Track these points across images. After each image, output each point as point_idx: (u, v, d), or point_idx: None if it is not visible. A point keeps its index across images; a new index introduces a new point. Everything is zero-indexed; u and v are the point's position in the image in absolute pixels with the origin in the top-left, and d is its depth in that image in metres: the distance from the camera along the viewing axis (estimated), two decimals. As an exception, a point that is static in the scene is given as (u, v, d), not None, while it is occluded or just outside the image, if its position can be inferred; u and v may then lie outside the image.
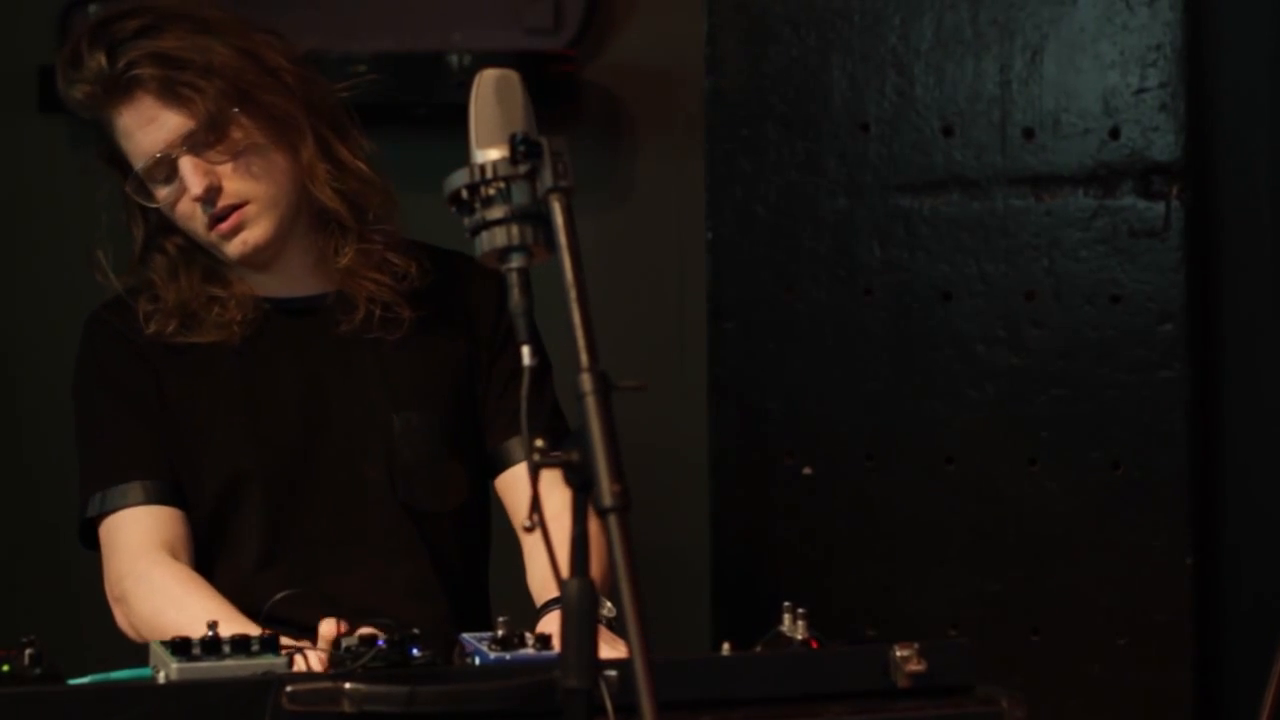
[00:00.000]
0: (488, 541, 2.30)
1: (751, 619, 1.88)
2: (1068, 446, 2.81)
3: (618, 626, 1.94)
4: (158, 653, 1.73)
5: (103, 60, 2.12)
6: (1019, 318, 2.83)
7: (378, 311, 2.18)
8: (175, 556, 2.14)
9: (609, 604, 1.96)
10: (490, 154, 1.60)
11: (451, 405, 2.21)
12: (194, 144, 2.12)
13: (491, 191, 1.59)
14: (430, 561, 2.19)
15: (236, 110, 2.12)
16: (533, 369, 1.54)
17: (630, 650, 1.40)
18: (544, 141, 1.57)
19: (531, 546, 2.18)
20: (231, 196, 2.14)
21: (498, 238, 1.58)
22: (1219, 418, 2.83)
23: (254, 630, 1.87)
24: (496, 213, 1.58)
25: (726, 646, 1.79)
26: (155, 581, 2.11)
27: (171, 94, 2.12)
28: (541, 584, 2.13)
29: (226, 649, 1.70)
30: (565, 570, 2.08)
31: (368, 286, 2.18)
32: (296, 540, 2.17)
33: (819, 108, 2.90)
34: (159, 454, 2.17)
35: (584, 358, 1.49)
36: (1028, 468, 2.83)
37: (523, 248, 1.58)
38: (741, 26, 2.93)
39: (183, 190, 2.14)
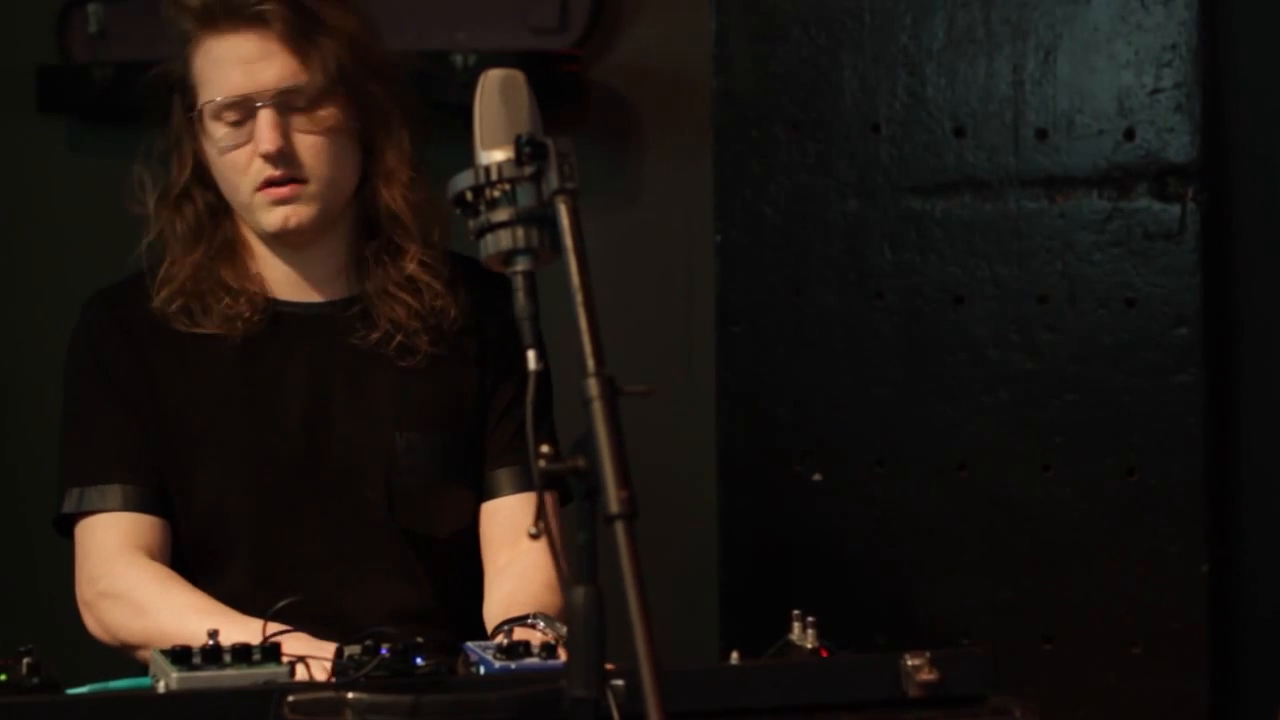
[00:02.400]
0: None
1: (760, 627, 1.87)
2: (1082, 452, 2.78)
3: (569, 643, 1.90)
4: (157, 662, 1.72)
5: None
6: (1032, 321, 2.81)
7: (398, 337, 2.12)
8: (152, 559, 2.09)
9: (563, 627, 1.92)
10: (495, 155, 1.59)
11: (459, 428, 2.16)
12: (287, 101, 2.06)
13: (496, 193, 1.58)
14: (429, 586, 2.14)
15: (342, 89, 2.07)
16: (538, 374, 1.53)
17: (637, 659, 1.39)
18: (550, 143, 1.56)
19: (494, 576, 2.15)
20: (296, 168, 2.08)
21: (503, 240, 1.58)
22: (1235, 422, 2.81)
23: (244, 628, 1.85)
24: (501, 215, 1.58)
25: (735, 655, 1.78)
26: (131, 582, 2.06)
27: (294, 43, 2.06)
28: (502, 610, 2.07)
29: (227, 658, 1.68)
30: (537, 593, 2.07)
31: (395, 310, 2.12)
32: (290, 560, 2.11)
33: (829, 108, 2.88)
34: (144, 457, 2.11)
35: (590, 362, 1.47)
36: (1041, 473, 2.81)
37: (528, 250, 1.57)
38: (750, 26, 2.91)
39: (247, 140, 2.07)
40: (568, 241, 1.51)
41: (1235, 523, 2.81)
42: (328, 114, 2.07)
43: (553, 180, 1.54)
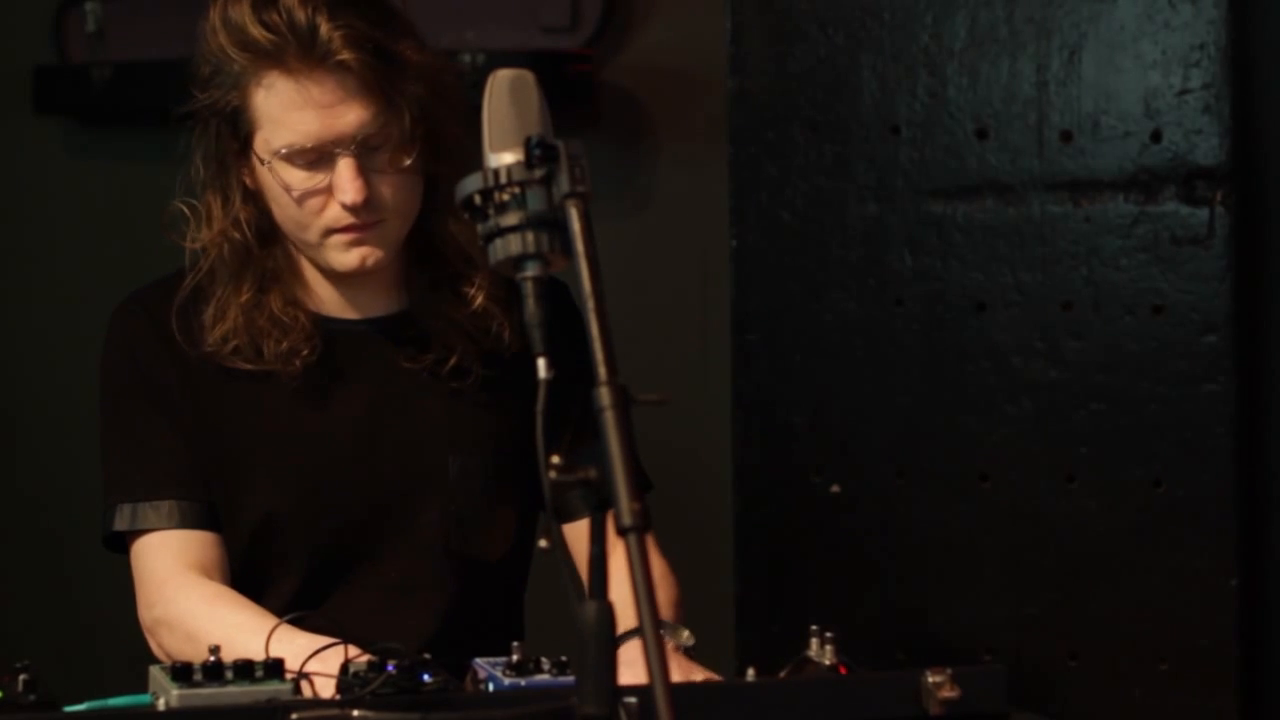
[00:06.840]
0: (525, 585, 2.22)
1: (777, 643, 1.85)
2: (1107, 463, 2.75)
3: (691, 654, 1.95)
4: (157, 679, 1.71)
5: (313, 16, 1.97)
6: (1056, 329, 2.78)
7: (452, 360, 2.08)
8: (208, 577, 2.06)
9: (687, 631, 1.97)
10: (505, 158, 1.56)
11: (508, 448, 2.12)
12: (367, 148, 2.01)
13: (506, 197, 1.55)
14: (476, 609, 2.12)
15: (421, 130, 2.01)
16: (548, 382, 1.50)
17: (650, 676, 1.36)
18: (560, 145, 1.54)
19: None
20: (374, 210, 2.03)
21: (512, 245, 1.55)
22: (1265, 432, 2.79)
23: (291, 643, 1.81)
24: (511, 219, 1.55)
25: (751, 672, 1.77)
26: (182, 606, 2.03)
27: (374, 87, 1.99)
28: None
29: (229, 674, 1.67)
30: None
31: (451, 335, 2.09)
32: (337, 583, 2.08)
33: (848, 110, 2.86)
34: (195, 472, 2.07)
35: (603, 371, 1.45)
36: (1066, 485, 2.79)
37: (538, 256, 1.54)
38: (767, 25, 2.90)
39: (323, 185, 2.01)
40: (579, 246, 1.49)
41: (1265, 536, 2.79)
42: (407, 155, 2.02)
43: (563, 183, 1.52)
